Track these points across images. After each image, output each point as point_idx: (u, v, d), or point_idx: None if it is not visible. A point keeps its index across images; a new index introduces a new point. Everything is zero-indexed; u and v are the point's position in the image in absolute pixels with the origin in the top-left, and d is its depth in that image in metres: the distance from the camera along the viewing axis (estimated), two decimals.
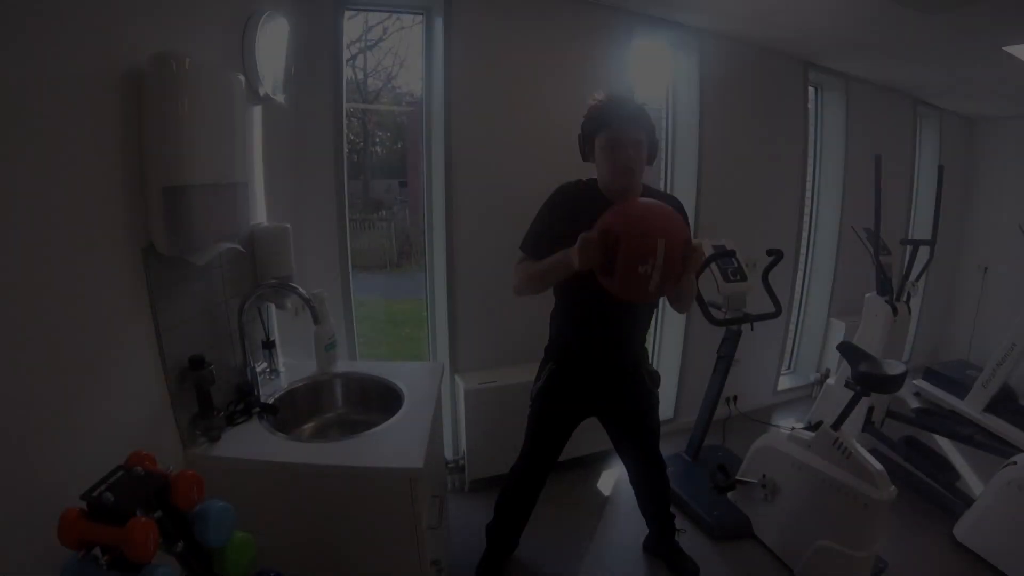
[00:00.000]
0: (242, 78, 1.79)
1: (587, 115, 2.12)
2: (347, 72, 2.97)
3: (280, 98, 2.36)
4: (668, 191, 3.89)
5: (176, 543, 1.20)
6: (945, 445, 3.89)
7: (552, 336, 2.38)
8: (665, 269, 1.78)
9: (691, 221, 3.70)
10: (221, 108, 1.66)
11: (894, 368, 2.64)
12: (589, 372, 2.29)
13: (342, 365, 2.42)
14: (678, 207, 2.16)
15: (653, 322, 2.71)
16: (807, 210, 4.50)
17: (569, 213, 2.11)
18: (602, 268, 1.85)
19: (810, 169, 4.47)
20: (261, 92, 2.20)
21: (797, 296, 4.75)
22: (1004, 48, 3.20)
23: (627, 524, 2.99)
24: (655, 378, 2.37)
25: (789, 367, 5.10)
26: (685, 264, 1.83)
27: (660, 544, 2.72)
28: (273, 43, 2.23)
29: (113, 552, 1.06)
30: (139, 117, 1.46)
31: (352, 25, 4.89)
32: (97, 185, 1.36)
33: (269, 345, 2.27)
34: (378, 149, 6.82)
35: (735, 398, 4.33)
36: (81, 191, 1.31)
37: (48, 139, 1.21)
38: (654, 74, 3.81)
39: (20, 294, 1.14)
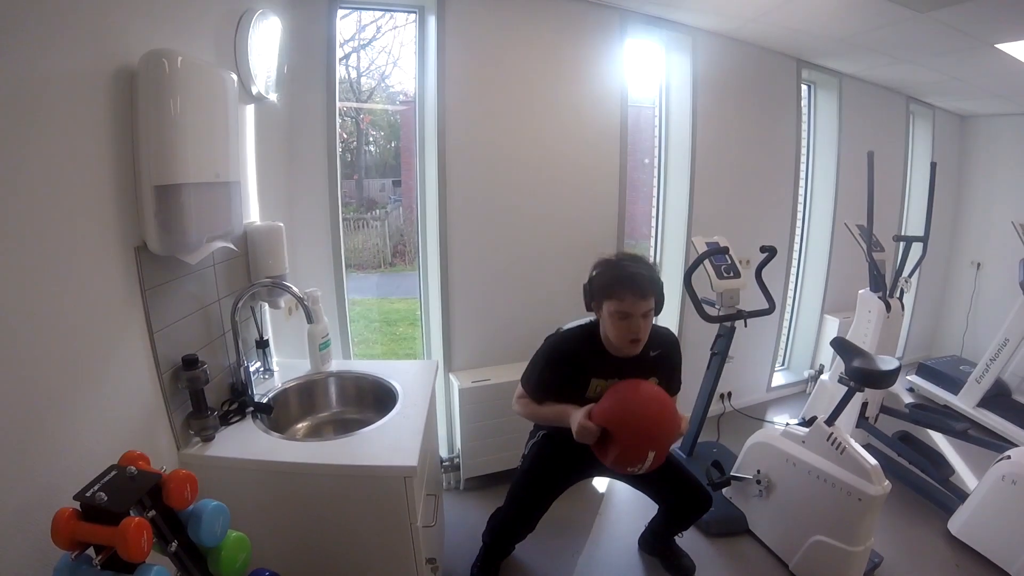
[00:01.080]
0: (235, 77, 1.79)
1: (597, 272, 2.13)
2: (340, 71, 2.97)
3: (273, 97, 2.36)
4: (662, 190, 3.91)
5: (170, 543, 1.20)
6: (939, 440, 3.91)
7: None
8: (652, 465, 1.99)
9: (685, 219, 3.73)
10: (214, 107, 1.65)
11: (887, 364, 2.64)
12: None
13: (336, 364, 2.42)
14: (674, 348, 2.30)
15: None
16: (800, 207, 4.50)
17: (569, 366, 2.17)
18: (596, 446, 2.03)
19: (803, 166, 4.47)
20: (254, 91, 2.20)
21: (791, 293, 4.76)
22: (996, 46, 3.21)
23: (623, 522, 2.99)
24: None
25: (783, 363, 5.11)
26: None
27: (656, 541, 2.72)
28: (266, 41, 2.22)
29: (107, 552, 1.06)
30: (131, 116, 1.46)
31: (345, 24, 4.88)
32: (89, 184, 1.36)
33: (263, 344, 2.27)
34: (372, 148, 6.81)
35: (729, 394, 4.35)
36: (73, 190, 1.31)
37: (39, 138, 1.21)
38: (647, 71, 3.81)
39: (10, 294, 1.13)
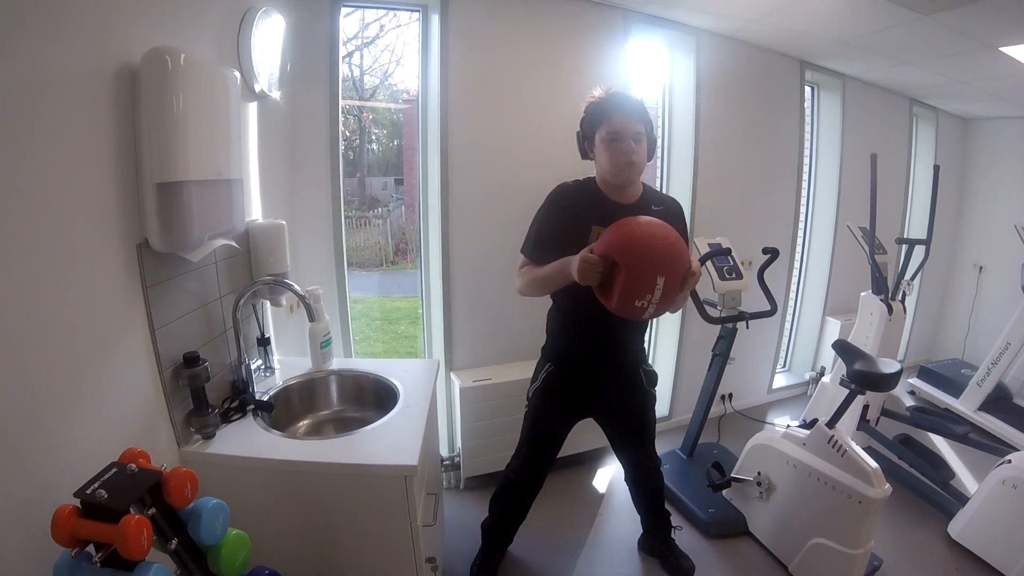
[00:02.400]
0: (237, 75, 1.79)
1: (586, 111, 2.12)
2: (344, 69, 2.97)
3: (276, 95, 2.36)
4: (664, 191, 3.90)
5: (170, 540, 1.20)
6: (940, 443, 3.91)
7: (549, 338, 2.38)
8: (662, 301, 1.81)
9: (687, 221, 3.71)
10: (216, 105, 1.65)
11: (889, 366, 2.64)
12: (587, 374, 2.28)
13: (337, 362, 2.42)
14: (678, 213, 2.21)
15: (650, 321, 2.70)
16: (803, 209, 4.50)
17: (569, 213, 2.11)
18: (600, 288, 1.88)
19: (806, 168, 4.47)
20: (256, 89, 2.20)
21: (792, 294, 4.76)
22: (1000, 49, 3.20)
23: (622, 522, 2.99)
24: (652, 378, 2.38)
25: (784, 365, 5.11)
26: (683, 287, 1.86)
27: (655, 542, 2.72)
28: (269, 39, 2.22)
29: (106, 550, 1.06)
30: (134, 113, 1.46)
31: (349, 22, 4.89)
32: (91, 182, 1.36)
33: (264, 342, 2.27)
34: (375, 147, 6.81)
35: (730, 396, 4.34)
36: (75, 188, 1.31)
37: (41, 136, 1.21)
38: (651, 72, 3.81)
39: (12, 291, 1.13)
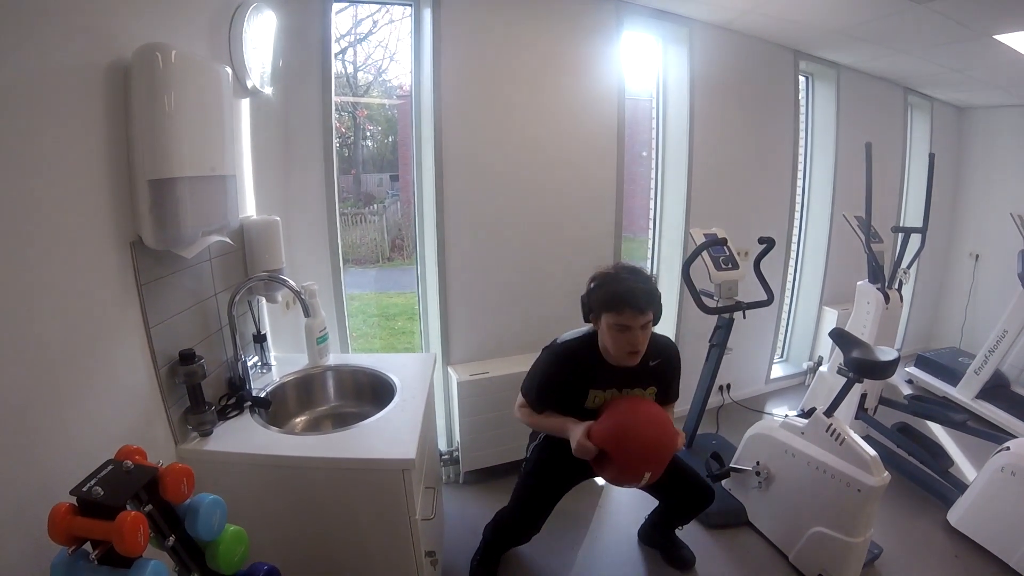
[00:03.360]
0: (229, 71, 1.78)
1: (595, 283, 2.13)
2: (337, 66, 2.96)
3: (268, 91, 2.35)
4: (660, 182, 3.91)
5: (168, 537, 1.20)
6: (938, 431, 3.91)
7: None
8: (650, 480, 2.06)
9: (683, 211, 3.72)
10: (208, 101, 1.65)
11: (886, 354, 2.64)
12: None
13: (334, 358, 2.42)
14: (673, 358, 2.32)
15: None
16: (799, 198, 4.50)
17: (566, 377, 2.20)
18: (594, 462, 2.09)
19: (801, 157, 4.47)
20: (249, 85, 2.19)
21: (789, 284, 4.76)
22: (995, 37, 3.20)
23: (622, 514, 3.00)
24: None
25: (782, 355, 5.12)
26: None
27: (656, 534, 2.73)
28: (261, 35, 2.22)
29: (103, 547, 1.05)
30: (126, 110, 1.46)
31: (342, 18, 4.87)
32: (83, 180, 1.36)
33: (260, 339, 2.26)
34: (369, 143, 6.79)
35: (728, 386, 4.35)
36: (67, 186, 1.30)
37: (32, 134, 1.21)
38: (644, 64, 3.81)
39: (4, 291, 1.13)
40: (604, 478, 2.12)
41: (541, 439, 2.42)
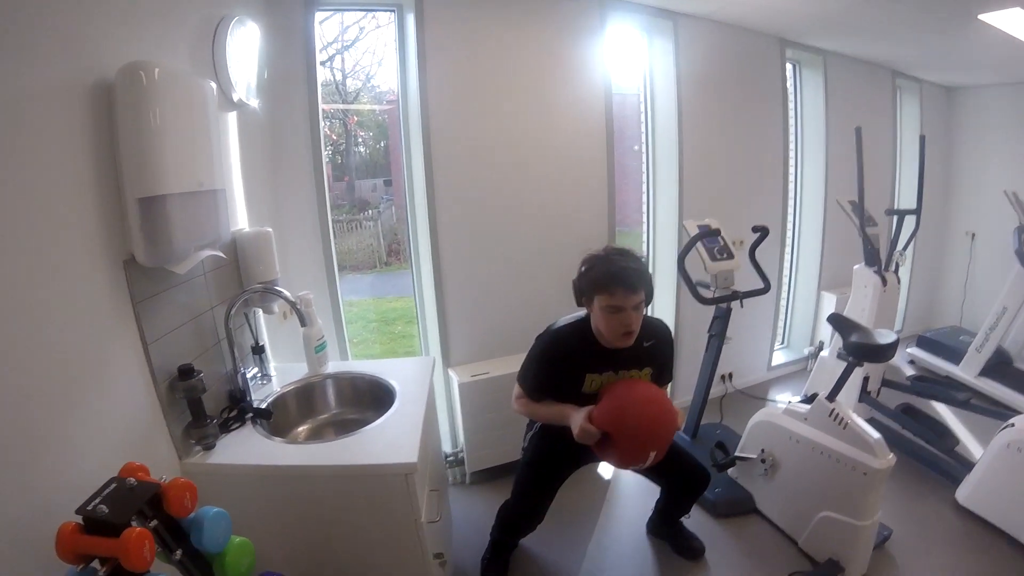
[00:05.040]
0: (214, 85, 1.78)
1: (585, 266, 2.13)
2: (326, 73, 2.96)
3: (254, 103, 2.35)
4: (651, 176, 3.91)
5: (174, 551, 1.20)
6: (942, 411, 3.92)
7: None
8: (654, 461, 2.07)
9: (675, 203, 3.73)
10: (194, 116, 1.65)
11: (885, 337, 2.64)
12: None
13: (333, 365, 2.42)
14: (667, 340, 2.32)
15: None
16: (791, 185, 4.50)
17: (562, 364, 2.19)
18: (596, 447, 2.08)
19: (792, 145, 4.47)
20: (235, 98, 2.19)
21: (786, 271, 4.76)
22: (979, 17, 3.19)
23: (630, 507, 3.00)
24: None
25: (783, 342, 5.12)
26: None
27: (664, 525, 2.73)
28: (244, 48, 2.22)
29: (111, 564, 1.06)
30: (111, 129, 1.46)
31: (328, 26, 4.88)
32: (73, 200, 1.36)
33: (259, 350, 2.27)
34: (361, 149, 6.80)
35: (730, 375, 4.35)
36: (57, 207, 1.31)
37: (19, 156, 1.21)
38: (630, 58, 3.81)
39: (2, 314, 1.13)
40: (609, 461, 2.14)
41: (537, 428, 2.42)
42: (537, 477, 2.37)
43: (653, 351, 2.25)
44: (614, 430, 2.01)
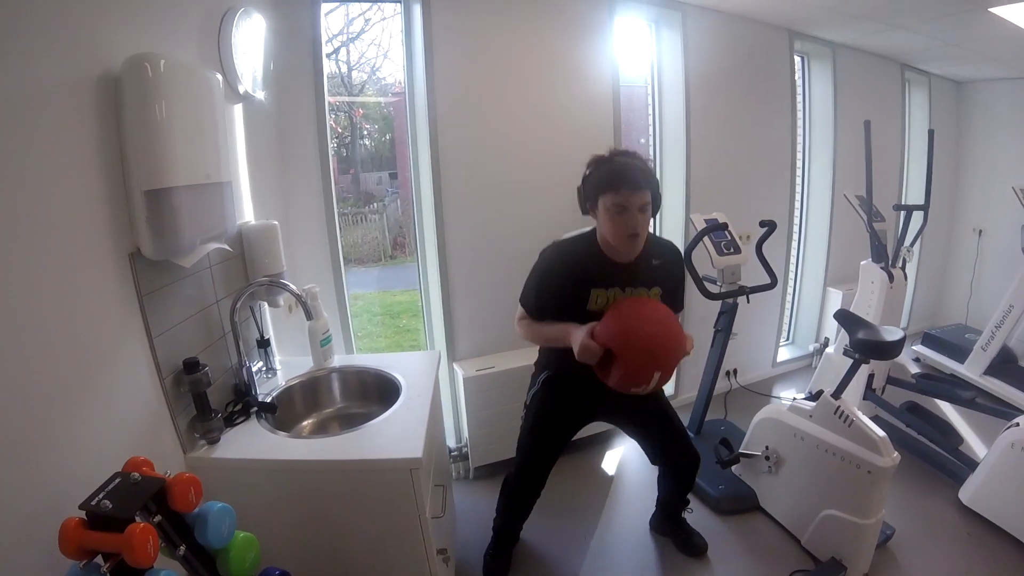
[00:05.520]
0: (220, 77, 1.77)
1: (589, 169, 2.06)
2: (331, 66, 2.95)
3: (261, 95, 2.35)
4: (658, 168, 3.89)
5: (178, 547, 1.20)
6: (947, 409, 3.91)
7: (540, 352, 2.40)
8: (657, 385, 1.99)
9: (683, 197, 3.71)
10: (200, 108, 1.64)
11: (892, 334, 2.63)
12: (586, 378, 2.16)
13: (338, 359, 2.43)
14: (676, 262, 2.24)
15: None
16: (799, 180, 4.48)
17: (567, 277, 2.09)
18: (598, 367, 1.98)
19: (800, 138, 4.45)
20: (241, 90, 2.19)
21: (793, 266, 4.74)
22: (990, 9, 3.16)
23: (633, 504, 3.00)
24: None
25: (788, 338, 5.11)
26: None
27: (667, 522, 2.73)
28: (250, 40, 2.21)
29: (114, 559, 1.06)
30: (118, 122, 1.45)
31: (333, 18, 4.86)
32: (79, 193, 1.36)
33: (264, 344, 2.27)
34: (367, 142, 6.79)
35: (735, 371, 4.34)
36: (63, 201, 1.30)
37: (26, 150, 1.21)
38: (639, 50, 3.78)
39: (7, 308, 1.13)
40: (611, 383, 1.97)
41: (539, 385, 2.34)
42: (540, 437, 2.35)
43: (662, 270, 2.15)
44: (617, 346, 1.90)
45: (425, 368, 2.30)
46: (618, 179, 1.93)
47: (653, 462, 2.53)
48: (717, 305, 3.19)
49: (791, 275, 4.75)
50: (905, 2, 3.23)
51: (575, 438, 2.47)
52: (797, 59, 4.32)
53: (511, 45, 3.05)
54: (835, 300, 4.62)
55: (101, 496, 1.09)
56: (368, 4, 3.57)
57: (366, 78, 5.98)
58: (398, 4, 2.95)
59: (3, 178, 1.15)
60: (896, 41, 4.12)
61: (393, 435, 1.82)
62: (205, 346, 1.88)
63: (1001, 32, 3.52)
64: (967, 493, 2.86)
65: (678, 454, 2.43)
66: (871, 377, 3.55)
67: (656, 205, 2.04)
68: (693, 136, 3.67)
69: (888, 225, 3.80)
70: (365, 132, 6.64)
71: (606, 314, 1.99)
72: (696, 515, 2.79)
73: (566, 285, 2.08)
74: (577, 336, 1.95)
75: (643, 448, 2.52)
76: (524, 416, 2.40)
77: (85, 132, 1.38)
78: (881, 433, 2.35)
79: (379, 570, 1.85)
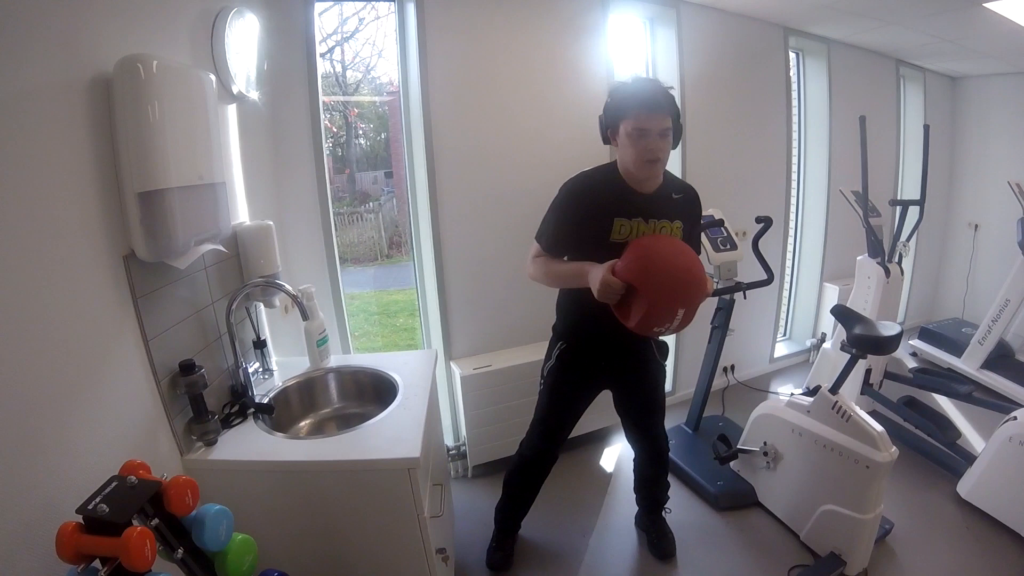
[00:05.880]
0: (213, 77, 1.76)
1: (611, 97, 2.03)
2: (325, 65, 2.94)
3: (254, 95, 2.34)
4: None
5: (176, 550, 1.20)
6: (944, 403, 3.92)
7: (560, 315, 2.35)
8: (680, 325, 1.90)
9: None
10: (193, 109, 1.63)
11: (889, 329, 2.64)
12: (600, 347, 2.25)
13: (335, 359, 2.42)
14: (695, 200, 2.22)
15: None
16: (794, 176, 4.48)
17: (589, 207, 2.05)
18: (618, 307, 1.92)
19: (795, 135, 4.45)
20: (234, 90, 2.18)
21: (789, 262, 4.75)
22: (985, 5, 3.16)
23: (631, 500, 2.99)
24: (664, 349, 2.36)
25: (785, 334, 5.11)
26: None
27: (646, 515, 2.75)
28: (244, 40, 2.20)
29: (112, 563, 1.05)
30: (110, 124, 1.45)
31: (327, 17, 4.84)
32: (73, 196, 1.35)
33: (260, 344, 2.26)
34: (362, 141, 6.77)
35: (732, 367, 4.35)
36: (56, 203, 1.30)
37: (19, 152, 1.20)
38: (633, 48, 3.77)
39: (2, 311, 1.13)
40: (631, 324, 1.90)
41: (554, 359, 2.32)
42: (557, 405, 2.37)
43: (683, 204, 2.14)
44: (641, 280, 1.83)
45: (422, 367, 2.30)
46: (638, 102, 1.91)
47: (628, 439, 2.59)
48: (714, 301, 3.18)
49: (787, 271, 4.75)
50: None
51: (575, 434, 2.47)
52: (792, 55, 4.32)
53: (505, 44, 3.04)
54: (832, 296, 4.62)
55: (98, 500, 1.09)
56: (362, 3, 3.55)
57: (360, 77, 5.97)
58: (392, 3, 2.95)
59: None
60: (891, 37, 4.13)
61: (391, 435, 1.81)
62: (201, 348, 1.87)
63: (996, 28, 3.52)
64: (965, 487, 2.87)
65: (647, 426, 2.48)
66: (868, 372, 3.56)
67: (677, 133, 2.01)
68: (688, 133, 3.66)
69: (884, 220, 3.80)
70: (360, 131, 6.62)
71: (627, 250, 1.92)
72: (694, 511, 2.79)
73: (588, 214, 2.04)
74: (596, 274, 1.90)
75: (623, 425, 2.55)
76: (541, 384, 2.41)
77: (77, 134, 1.37)
78: (879, 428, 2.36)
79: (378, 570, 1.85)
